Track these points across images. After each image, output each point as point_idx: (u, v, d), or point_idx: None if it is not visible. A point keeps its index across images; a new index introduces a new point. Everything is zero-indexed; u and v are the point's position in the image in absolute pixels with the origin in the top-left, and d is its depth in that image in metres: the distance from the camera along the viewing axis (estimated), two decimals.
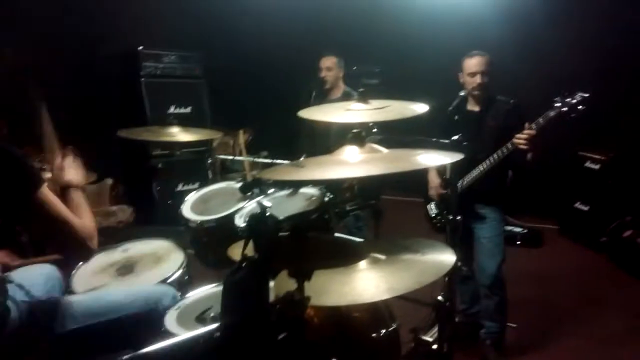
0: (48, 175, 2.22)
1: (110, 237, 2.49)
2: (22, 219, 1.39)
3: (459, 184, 2.71)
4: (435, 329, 1.81)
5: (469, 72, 2.73)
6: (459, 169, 2.46)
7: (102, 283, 2.02)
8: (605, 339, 3.07)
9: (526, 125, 2.50)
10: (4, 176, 1.30)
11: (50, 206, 1.38)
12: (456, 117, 2.61)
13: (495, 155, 2.64)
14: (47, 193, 1.38)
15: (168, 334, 1.56)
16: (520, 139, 2.49)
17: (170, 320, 1.66)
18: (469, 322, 2.97)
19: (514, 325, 2.98)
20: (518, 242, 4.64)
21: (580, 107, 2.46)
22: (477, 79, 2.70)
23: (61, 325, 1.54)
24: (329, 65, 3.81)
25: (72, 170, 1.67)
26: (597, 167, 4.58)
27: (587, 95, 2.47)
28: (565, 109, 2.47)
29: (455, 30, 5.06)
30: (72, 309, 1.61)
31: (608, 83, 4.33)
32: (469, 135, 2.50)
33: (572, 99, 2.48)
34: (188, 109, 5.09)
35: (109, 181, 4.35)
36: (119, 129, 2.63)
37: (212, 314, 1.65)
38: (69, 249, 1.48)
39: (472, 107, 2.83)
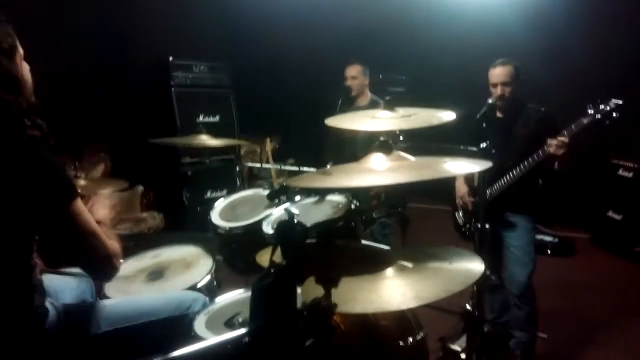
0: (82, 182, 2.31)
1: (141, 243, 2.54)
2: (53, 229, 1.41)
3: (488, 192, 2.69)
4: (464, 339, 1.79)
5: (491, 83, 2.72)
6: (487, 176, 2.45)
7: (133, 288, 2.06)
8: (639, 351, 2.97)
9: (561, 131, 2.46)
10: (42, 185, 1.34)
11: (82, 218, 1.41)
12: (484, 125, 2.59)
13: (525, 163, 2.60)
14: (80, 205, 1.42)
15: (197, 338, 1.59)
16: (552, 145, 2.45)
17: (199, 324, 1.69)
18: (499, 332, 2.91)
19: (545, 336, 2.92)
20: (549, 252, 4.55)
21: (614, 114, 2.41)
22: (498, 90, 2.68)
23: (96, 327, 1.57)
24: (354, 74, 3.82)
25: (101, 210, 1.72)
26: (630, 174, 4.47)
27: (620, 102, 2.42)
28: (598, 116, 2.42)
29: (481, 37, 5.02)
30: (106, 312, 1.64)
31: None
32: (498, 143, 2.49)
33: (606, 106, 2.43)
34: (216, 118, 5.18)
35: (140, 188, 4.45)
36: (150, 137, 2.70)
37: (240, 319, 1.67)
38: (95, 264, 1.49)
39: (501, 114, 2.80)
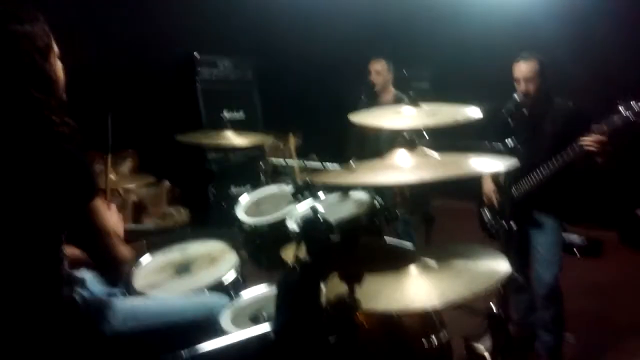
0: (111, 177, 2.35)
1: (167, 237, 2.58)
2: (73, 223, 1.44)
3: (515, 190, 2.64)
4: (488, 339, 1.77)
5: (515, 78, 2.66)
6: (514, 174, 2.41)
7: (160, 282, 2.10)
8: None
9: (595, 126, 2.40)
10: (67, 179, 1.37)
11: (101, 217, 1.44)
12: (510, 121, 2.54)
13: (556, 160, 2.54)
14: (100, 204, 1.45)
15: (222, 333, 1.61)
16: (587, 141, 2.39)
17: (224, 319, 1.71)
18: (524, 333, 2.87)
19: (572, 338, 2.87)
20: (576, 252, 4.46)
21: None
22: (522, 87, 2.63)
23: (123, 323, 1.60)
24: (378, 69, 3.80)
25: (114, 219, 1.74)
26: None
27: None
28: (630, 114, 2.35)
29: (506, 30, 4.92)
30: (134, 310, 1.67)
31: None
32: (525, 140, 2.44)
33: (638, 105, 2.35)
34: (241, 113, 5.22)
35: (166, 183, 4.52)
36: (176, 132, 2.73)
37: (265, 315, 1.69)
38: (104, 264, 1.52)
39: (528, 110, 2.74)
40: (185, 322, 1.70)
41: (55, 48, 1.47)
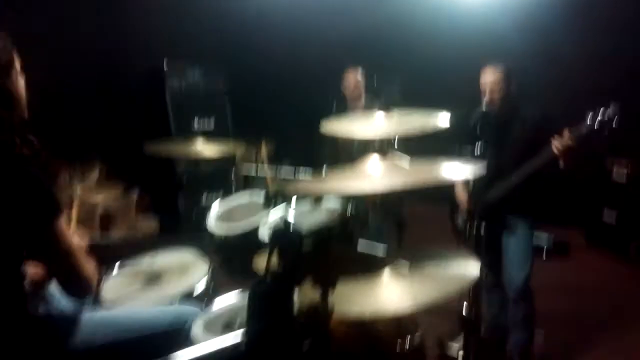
0: (77, 188, 2.30)
1: (136, 247, 2.54)
2: (35, 244, 1.40)
3: (486, 195, 2.69)
4: (461, 340, 1.79)
5: (482, 84, 2.73)
6: (486, 180, 2.45)
7: (130, 293, 2.06)
8: (636, 353, 2.98)
9: (565, 132, 2.46)
10: (27, 201, 1.33)
11: (64, 237, 1.40)
12: (479, 127, 2.60)
13: (526, 165, 2.60)
14: (64, 224, 1.40)
15: (194, 342, 1.58)
16: (556, 145, 2.45)
17: (196, 329, 1.69)
18: (496, 333, 2.92)
19: (541, 337, 2.92)
20: (544, 252, 4.56)
21: (613, 124, 2.41)
22: (488, 93, 2.69)
23: (92, 337, 1.57)
24: (351, 78, 3.83)
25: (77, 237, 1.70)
26: (624, 174, 4.48)
27: (618, 112, 2.42)
28: (597, 126, 2.42)
29: (476, 39, 5.03)
30: (104, 323, 1.64)
31: (633, 92, 4.25)
32: (494, 146, 2.50)
33: (604, 117, 2.41)
34: (211, 122, 5.18)
35: (135, 193, 4.43)
36: (145, 141, 2.69)
37: (237, 324, 1.67)
38: (71, 283, 1.47)
39: (497, 116, 2.80)
40: (156, 333, 1.67)
41: (17, 63, 1.42)
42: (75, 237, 1.63)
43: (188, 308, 1.87)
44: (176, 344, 1.60)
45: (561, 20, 4.78)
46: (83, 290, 1.50)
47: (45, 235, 1.37)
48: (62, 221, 1.40)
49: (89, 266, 1.49)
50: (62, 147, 1.77)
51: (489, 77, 2.70)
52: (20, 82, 1.44)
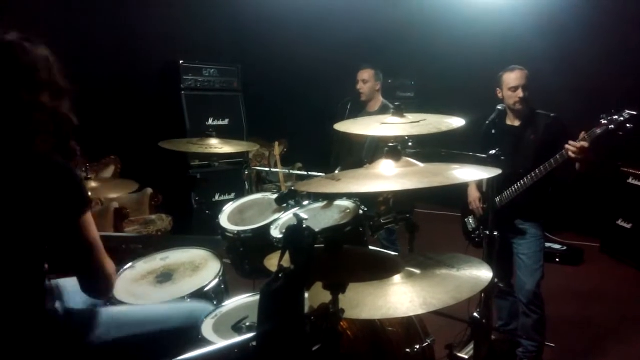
0: (93, 184, 2.33)
1: (149, 245, 2.55)
2: (62, 238, 1.41)
3: (498, 199, 2.68)
4: (471, 346, 1.78)
5: (510, 87, 2.70)
6: (497, 183, 2.43)
7: (142, 290, 2.07)
8: None
9: (582, 134, 2.43)
10: (58, 193, 1.35)
11: (90, 231, 1.41)
12: (494, 131, 2.58)
13: (538, 170, 2.58)
14: (90, 218, 1.42)
15: (204, 342, 1.59)
16: (571, 147, 2.42)
17: (206, 328, 1.70)
18: (506, 340, 2.90)
19: (553, 345, 2.89)
20: (557, 260, 4.51)
21: (628, 125, 2.39)
22: (519, 93, 2.67)
23: (105, 333, 1.57)
24: (365, 78, 3.82)
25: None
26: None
27: (635, 113, 2.39)
28: (612, 126, 2.40)
29: (491, 43, 5.01)
30: (117, 319, 1.64)
31: None
32: (508, 150, 2.48)
33: (620, 117, 2.40)
34: (226, 121, 5.21)
35: (149, 191, 4.48)
36: (160, 140, 2.71)
37: (248, 324, 1.67)
38: (93, 279, 1.48)
39: (511, 121, 2.79)
40: (169, 329, 1.68)
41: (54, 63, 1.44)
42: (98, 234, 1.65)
43: (201, 305, 1.87)
44: (189, 341, 1.62)
45: (578, 22, 4.73)
46: (104, 288, 1.52)
47: (73, 228, 1.38)
48: (90, 215, 1.42)
49: (111, 264, 1.50)
50: (79, 143, 1.78)
51: (520, 75, 2.68)
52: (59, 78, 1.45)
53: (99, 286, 1.51)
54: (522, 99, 2.67)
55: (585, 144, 2.41)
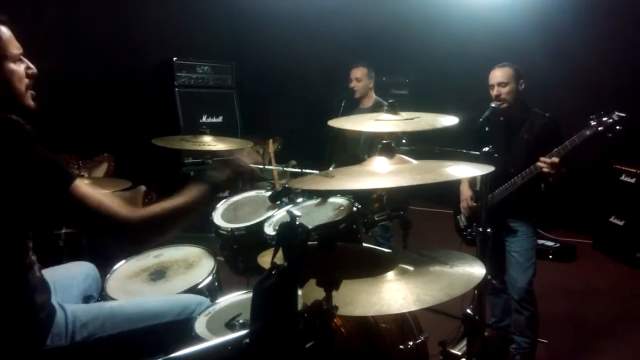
0: (85, 181, 2.31)
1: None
2: (61, 214, 1.41)
3: (490, 197, 2.68)
4: (464, 343, 1.79)
5: (489, 84, 2.72)
6: (490, 181, 2.44)
7: (135, 287, 2.07)
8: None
9: (554, 150, 2.48)
10: (36, 175, 1.32)
11: (84, 195, 1.37)
12: (487, 129, 2.58)
13: (526, 171, 2.60)
14: (81, 185, 1.38)
15: (197, 339, 1.59)
16: (542, 163, 2.49)
17: (199, 325, 1.69)
18: (499, 337, 2.91)
19: (545, 342, 2.91)
20: (550, 256, 4.54)
21: (617, 127, 2.41)
22: (494, 91, 2.69)
23: (101, 328, 1.57)
24: (359, 76, 3.83)
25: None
26: (632, 180, 4.45)
27: (624, 115, 2.41)
28: (601, 128, 2.42)
29: (486, 41, 5.01)
30: (113, 314, 1.64)
31: None
32: (501, 148, 2.49)
33: (609, 119, 2.42)
34: (220, 119, 5.20)
35: (142, 188, 4.45)
36: (153, 137, 2.70)
37: (241, 321, 1.67)
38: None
39: (505, 118, 2.80)
40: (165, 322, 1.68)
41: (12, 51, 1.39)
42: (98, 190, 1.61)
43: (196, 297, 1.87)
44: (184, 334, 1.61)
45: (573, 21, 4.74)
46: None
47: (67, 202, 1.35)
48: (80, 183, 1.38)
49: (124, 205, 1.44)
50: (72, 141, 1.77)
51: (497, 74, 2.69)
52: (16, 69, 1.41)
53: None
54: (497, 96, 2.68)
55: (556, 159, 2.46)
